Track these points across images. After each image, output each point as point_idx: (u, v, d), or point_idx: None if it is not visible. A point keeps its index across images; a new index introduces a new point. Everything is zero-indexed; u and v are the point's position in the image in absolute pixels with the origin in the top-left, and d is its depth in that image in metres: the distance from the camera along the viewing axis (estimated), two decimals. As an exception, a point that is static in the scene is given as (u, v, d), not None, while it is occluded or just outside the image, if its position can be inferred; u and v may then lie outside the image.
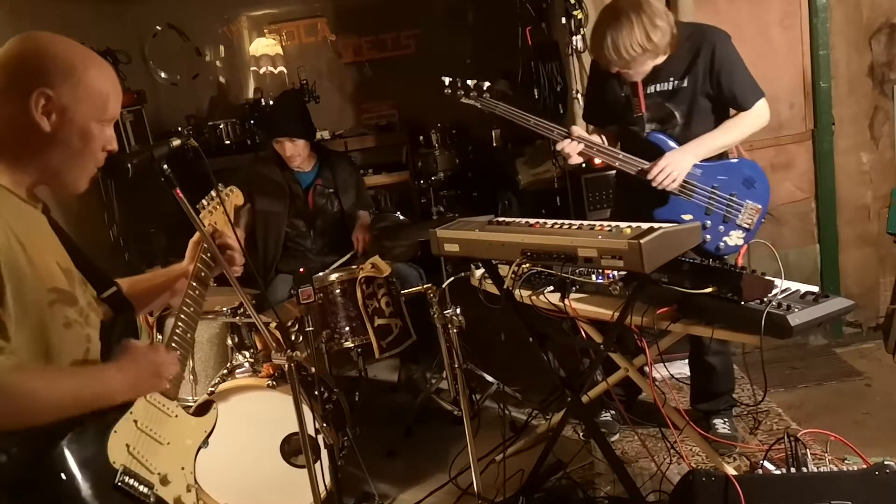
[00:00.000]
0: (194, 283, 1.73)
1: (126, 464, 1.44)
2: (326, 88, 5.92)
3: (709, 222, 2.67)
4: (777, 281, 2.15)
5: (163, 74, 5.88)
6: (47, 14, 4.35)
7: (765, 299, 2.04)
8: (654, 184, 2.62)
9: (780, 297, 2.07)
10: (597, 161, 3.61)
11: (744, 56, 3.61)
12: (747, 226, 2.70)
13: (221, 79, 6.11)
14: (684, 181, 2.65)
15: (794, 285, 2.16)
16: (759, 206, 2.70)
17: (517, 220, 2.35)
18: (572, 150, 2.65)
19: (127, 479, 1.42)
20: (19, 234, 1.35)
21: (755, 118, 2.68)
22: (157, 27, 5.77)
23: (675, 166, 2.60)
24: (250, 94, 6.01)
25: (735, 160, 2.78)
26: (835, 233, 3.75)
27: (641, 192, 2.69)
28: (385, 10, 5.89)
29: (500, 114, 2.69)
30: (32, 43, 1.41)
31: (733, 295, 2.03)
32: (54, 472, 1.33)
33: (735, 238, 2.69)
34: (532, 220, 2.31)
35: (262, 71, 6.09)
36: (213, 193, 1.89)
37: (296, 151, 3.62)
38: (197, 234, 1.79)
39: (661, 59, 2.61)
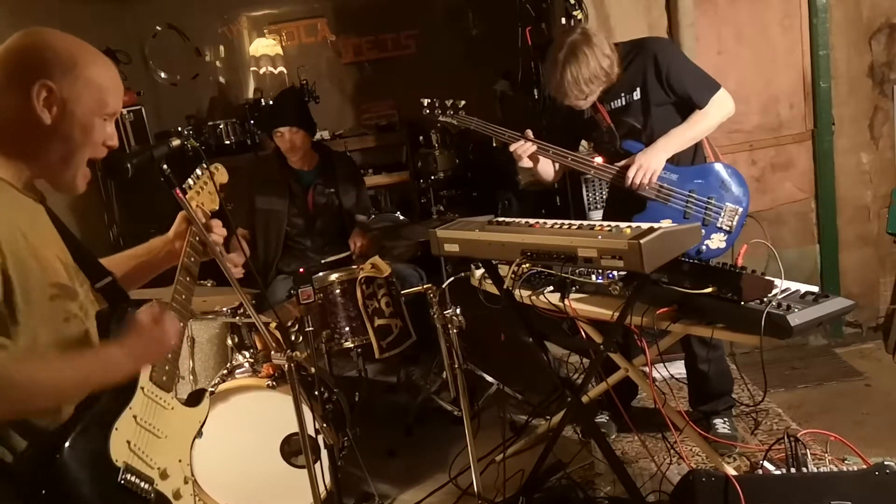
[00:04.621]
0: (184, 269, 1.71)
1: (127, 460, 1.44)
2: (326, 88, 5.91)
3: None
4: (777, 281, 2.15)
5: (163, 74, 5.88)
6: (47, 14, 4.35)
7: (765, 299, 2.03)
8: (630, 184, 2.69)
9: (780, 297, 2.07)
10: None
11: (744, 56, 3.66)
12: (728, 228, 2.73)
13: (221, 79, 6.10)
14: (661, 186, 2.72)
15: (794, 285, 2.16)
16: (739, 208, 2.73)
17: (517, 220, 2.35)
18: (525, 151, 2.73)
19: (129, 476, 1.42)
20: (24, 227, 1.35)
21: (718, 108, 2.73)
22: (157, 27, 5.77)
23: (647, 164, 2.67)
24: (250, 94, 6.00)
25: (711, 164, 2.82)
26: (835, 233, 3.75)
27: (622, 198, 2.74)
28: (385, 10, 5.89)
29: (476, 129, 2.82)
30: (34, 37, 1.42)
31: (733, 295, 2.03)
32: (59, 471, 1.33)
33: (717, 241, 2.72)
34: (532, 220, 2.31)
35: (262, 71, 6.09)
36: (199, 171, 1.85)
37: (296, 143, 3.62)
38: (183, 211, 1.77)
39: (606, 86, 2.73)
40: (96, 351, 1.47)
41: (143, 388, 1.53)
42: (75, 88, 1.40)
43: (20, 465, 1.32)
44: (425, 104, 2.84)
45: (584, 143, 3.43)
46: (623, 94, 2.77)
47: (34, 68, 1.38)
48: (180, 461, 1.60)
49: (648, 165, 2.67)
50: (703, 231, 2.69)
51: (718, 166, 2.79)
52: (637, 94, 2.75)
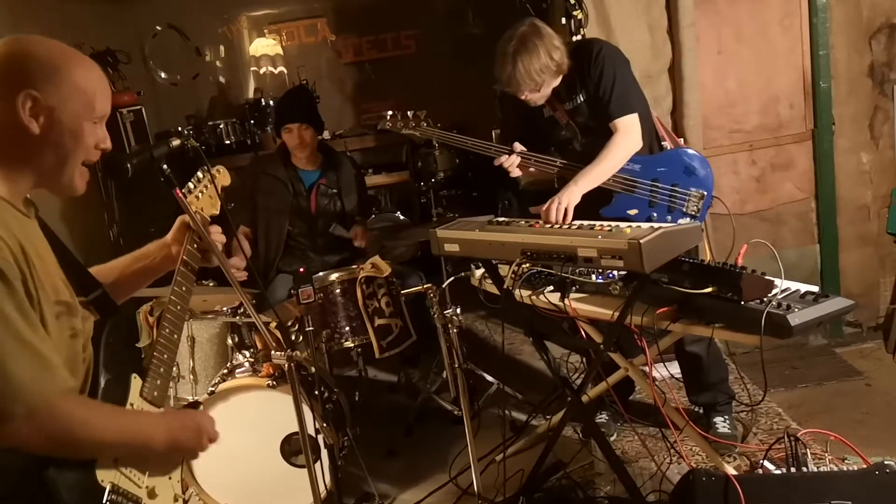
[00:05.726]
0: (180, 279, 1.68)
1: (114, 481, 1.40)
2: (326, 88, 5.92)
3: (654, 214, 2.75)
4: (777, 281, 2.15)
5: (163, 74, 5.88)
6: (47, 14, 4.35)
7: (765, 299, 2.04)
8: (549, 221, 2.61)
9: (780, 296, 2.07)
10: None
11: (744, 56, 3.66)
12: (693, 213, 2.77)
13: (221, 79, 6.11)
14: (626, 178, 2.73)
15: (794, 285, 2.16)
16: (703, 192, 2.77)
17: (517, 220, 2.35)
18: (510, 164, 2.74)
19: (115, 497, 1.39)
20: (27, 249, 1.34)
21: (624, 139, 2.68)
22: (157, 27, 5.77)
23: (560, 199, 2.59)
24: (250, 94, 6.01)
25: (673, 150, 2.83)
26: (835, 233, 3.75)
27: (588, 193, 2.72)
28: (385, 10, 5.89)
29: (438, 139, 2.85)
30: (14, 47, 1.39)
31: (733, 295, 2.03)
32: (44, 492, 1.30)
33: None
34: (532, 220, 2.31)
35: (262, 71, 6.10)
36: (200, 174, 1.82)
37: (305, 139, 3.62)
38: (183, 215, 1.75)
39: (559, 80, 2.73)
40: (138, 412, 1.48)
41: (132, 405, 1.50)
42: (60, 95, 1.38)
43: (5, 484, 1.30)
44: (387, 117, 2.85)
45: None
46: (573, 97, 2.78)
47: (16, 79, 1.35)
48: (170, 478, 1.57)
49: (561, 199, 2.59)
50: (669, 218, 2.75)
51: (680, 152, 2.81)
52: (582, 97, 2.76)
